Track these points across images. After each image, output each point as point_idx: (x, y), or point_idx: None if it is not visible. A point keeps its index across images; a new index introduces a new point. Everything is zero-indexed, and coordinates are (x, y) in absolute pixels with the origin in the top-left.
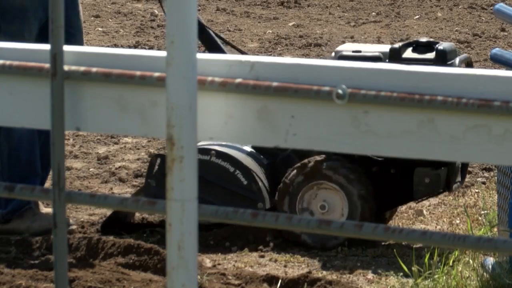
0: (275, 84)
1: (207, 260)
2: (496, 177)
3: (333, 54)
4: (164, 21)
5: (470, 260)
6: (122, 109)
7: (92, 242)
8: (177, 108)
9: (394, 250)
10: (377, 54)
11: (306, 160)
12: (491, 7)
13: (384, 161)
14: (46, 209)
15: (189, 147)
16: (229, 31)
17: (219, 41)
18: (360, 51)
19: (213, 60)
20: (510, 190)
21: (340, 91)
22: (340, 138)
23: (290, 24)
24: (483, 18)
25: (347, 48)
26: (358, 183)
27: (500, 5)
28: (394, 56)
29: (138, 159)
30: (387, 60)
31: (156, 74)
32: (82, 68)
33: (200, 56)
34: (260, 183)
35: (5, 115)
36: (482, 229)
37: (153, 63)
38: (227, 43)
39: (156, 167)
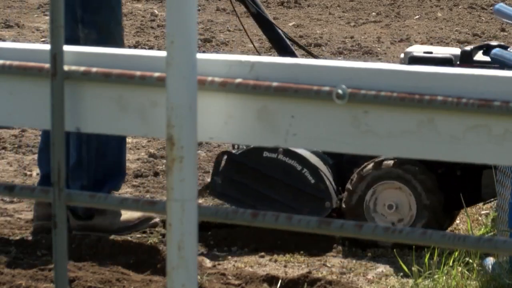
0: (275, 84)
1: (207, 260)
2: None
3: (402, 55)
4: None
5: (470, 260)
6: (122, 109)
7: (92, 242)
8: (177, 108)
9: (394, 250)
10: (448, 56)
11: (380, 158)
12: (491, 7)
13: (450, 163)
14: None
15: (189, 147)
16: (229, 31)
17: (287, 40)
18: (431, 52)
19: (213, 60)
20: (510, 190)
21: (340, 91)
22: (340, 138)
23: (290, 24)
24: (483, 18)
25: (417, 49)
26: (428, 187)
27: (500, 5)
28: (466, 58)
29: (138, 159)
30: (458, 63)
31: (156, 74)
32: (82, 68)
33: (200, 56)
34: (327, 182)
35: (5, 115)
36: (482, 229)
37: (153, 63)
38: (295, 43)
39: (223, 164)
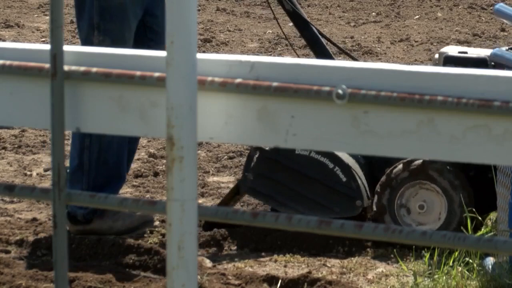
0: (275, 84)
1: (207, 260)
2: (496, 177)
3: (436, 55)
4: None
5: (470, 260)
6: (122, 109)
7: (92, 242)
8: (177, 108)
9: (394, 250)
10: (482, 56)
11: (410, 158)
12: (491, 7)
13: (482, 166)
14: None
15: (189, 147)
16: (229, 31)
17: (323, 40)
18: (466, 53)
19: (213, 60)
20: (510, 190)
21: (340, 91)
22: (340, 138)
23: (290, 24)
24: (483, 18)
25: (452, 49)
26: (461, 190)
27: (500, 5)
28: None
29: (138, 159)
30: (492, 63)
31: (156, 74)
32: (82, 68)
33: (200, 56)
34: (359, 181)
35: (5, 115)
36: (482, 229)
37: (153, 63)
38: (330, 41)
39: (255, 160)
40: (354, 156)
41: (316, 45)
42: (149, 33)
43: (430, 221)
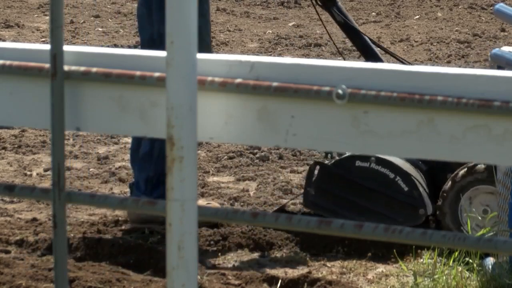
0: (275, 84)
1: (207, 260)
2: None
3: (490, 58)
4: None
5: (470, 260)
6: (122, 109)
7: (92, 242)
8: (177, 108)
9: (394, 250)
10: None
11: (472, 163)
12: (491, 7)
13: None
14: (200, 201)
15: (189, 147)
16: (229, 31)
17: (374, 46)
18: None
19: (213, 60)
20: (510, 190)
21: (340, 91)
22: (340, 138)
23: (290, 24)
24: (483, 18)
25: (506, 49)
26: None
27: (500, 5)
28: None
29: None
30: None
31: (156, 74)
32: (82, 68)
33: (200, 56)
34: (420, 189)
35: (5, 115)
36: (482, 229)
37: (153, 63)
38: (382, 48)
39: (315, 174)
40: (415, 164)
41: (368, 54)
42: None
43: (495, 224)
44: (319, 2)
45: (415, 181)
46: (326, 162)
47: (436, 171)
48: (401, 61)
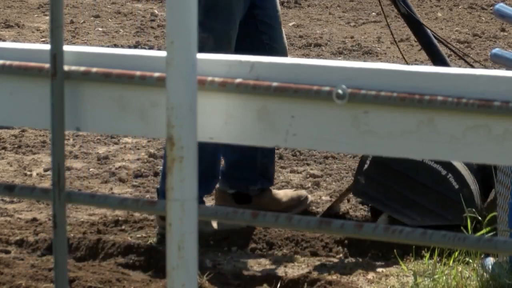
0: (275, 84)
1: (207, 260)
2: (496, 177)
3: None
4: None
5: (470, 260)
6: (122, 109)
7: (92, 242)
8: (177, 108)
9: (394, 250)
10: None
11: None
12: (491, 7)
13: None
14: (288, 191)
15: (189, 147)
16: None
17: (435, 41)
18: None
19: (213, 60)
20: (510, 190)
21: (340, 91)
22: (340, 138)
23: (290, 24)
24: (483, 18)
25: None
26: None
27: (500, 5)
28: None
29: (138, 159)
30: None
31: (156, 74)
32: (82, 68)
33: (200, 56)
34: (471, 187)
35: (5, 115)
36: (482, 229)
37: (153, 63)
38: (443, 43)
39: (367, 163)
40: (467, 162)
41: (431, 48)
42: (261, 26)
43: None
44: None
45: (466, 179)
46: None
47: (486, 170)
48: (464, 60)
